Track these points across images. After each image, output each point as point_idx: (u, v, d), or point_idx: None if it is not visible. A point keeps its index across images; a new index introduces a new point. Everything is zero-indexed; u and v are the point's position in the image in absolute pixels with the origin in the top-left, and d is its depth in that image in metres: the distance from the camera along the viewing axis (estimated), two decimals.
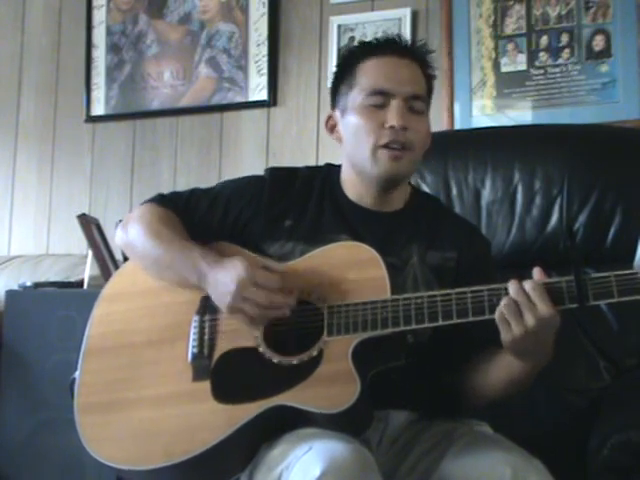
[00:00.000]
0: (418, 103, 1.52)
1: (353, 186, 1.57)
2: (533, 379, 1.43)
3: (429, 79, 1.57)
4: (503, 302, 1.30)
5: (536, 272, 1.33)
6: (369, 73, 1.52)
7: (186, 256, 1.47)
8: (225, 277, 1.40)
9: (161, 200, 1.60)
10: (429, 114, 1.57)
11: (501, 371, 1.43)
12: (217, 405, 1.37)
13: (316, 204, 1.57)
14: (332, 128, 1.60)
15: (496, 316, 1.31)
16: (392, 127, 1.48)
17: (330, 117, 1.61)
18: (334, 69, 1.61)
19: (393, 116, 1.48)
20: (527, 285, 1.29)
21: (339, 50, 2.82)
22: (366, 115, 1.50)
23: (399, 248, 1.52)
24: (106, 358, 1.50)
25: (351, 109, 1.53)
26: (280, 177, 1.60)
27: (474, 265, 1.54)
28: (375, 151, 1.49)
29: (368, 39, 2.74)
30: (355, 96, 1.52)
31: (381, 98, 1.50)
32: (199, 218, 1.57)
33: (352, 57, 1.57)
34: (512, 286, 1.30)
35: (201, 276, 1.44)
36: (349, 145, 1.55)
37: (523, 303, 1.29)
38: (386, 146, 1.48)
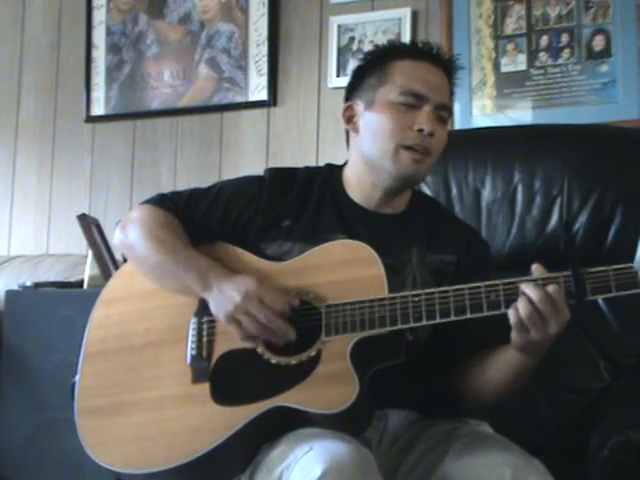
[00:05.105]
0: (445, 113, 1.52)
1: (358, 185, 1.57)
2: (531, 374, 1.43)
3: (451, 93, 1.57)
4: (524, 310, 1.28)
5: (535, 269, 1.33)
6: (406, 73, 1.51)
7: (190, 265, 1.47)
8: (232, 288, 1.40)
9: (161, 201, 1.59)
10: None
11: (502, 369, 1.42)
12: (216, 407, 1.37)
13: (315, 204, 1.56)
14: (350, 119, 1.58)
15: (512, 321, 1.30)
16: (421, 130, 1.47)
17: (350, 107, 1.58)
18: (360, 62, 1.59)
19: (424, 120, 1.47)
20: (551, 289, 1.28)
21: (339, 50, 2.82)
22: (395, 113, 1.49)
23: (399, 250, 1.52)
24: (106, 361, 1.50)
25: (379, 104, 1.51)
26: (279, 178, 1.59)
27: (473, 268, 1.53)
28: (397, 150, 1.48)
29: (368, 39, 2.78)
30: (386, 92, 1.51)
31: (414, 100, 1.49)
32: (199, 218, 1.57)
33: (385, 53, 1.56)
34: (535, 293, 1.28)
35: (206, 285, 1.44)
36: (368, 139, 1.53)
37: (549, 312, 1.28)
38: (410, 147, 1.48)
